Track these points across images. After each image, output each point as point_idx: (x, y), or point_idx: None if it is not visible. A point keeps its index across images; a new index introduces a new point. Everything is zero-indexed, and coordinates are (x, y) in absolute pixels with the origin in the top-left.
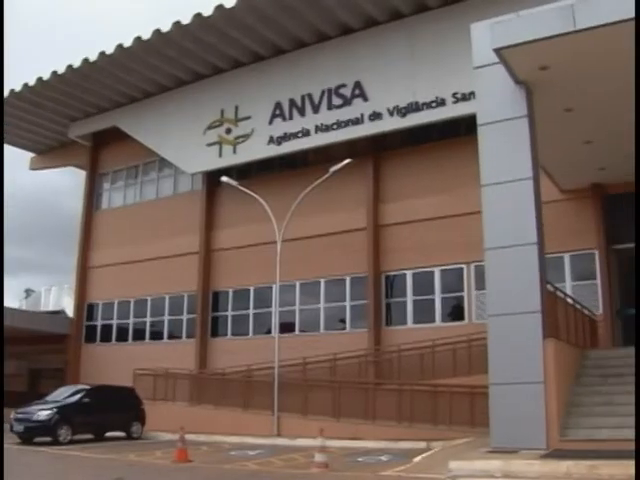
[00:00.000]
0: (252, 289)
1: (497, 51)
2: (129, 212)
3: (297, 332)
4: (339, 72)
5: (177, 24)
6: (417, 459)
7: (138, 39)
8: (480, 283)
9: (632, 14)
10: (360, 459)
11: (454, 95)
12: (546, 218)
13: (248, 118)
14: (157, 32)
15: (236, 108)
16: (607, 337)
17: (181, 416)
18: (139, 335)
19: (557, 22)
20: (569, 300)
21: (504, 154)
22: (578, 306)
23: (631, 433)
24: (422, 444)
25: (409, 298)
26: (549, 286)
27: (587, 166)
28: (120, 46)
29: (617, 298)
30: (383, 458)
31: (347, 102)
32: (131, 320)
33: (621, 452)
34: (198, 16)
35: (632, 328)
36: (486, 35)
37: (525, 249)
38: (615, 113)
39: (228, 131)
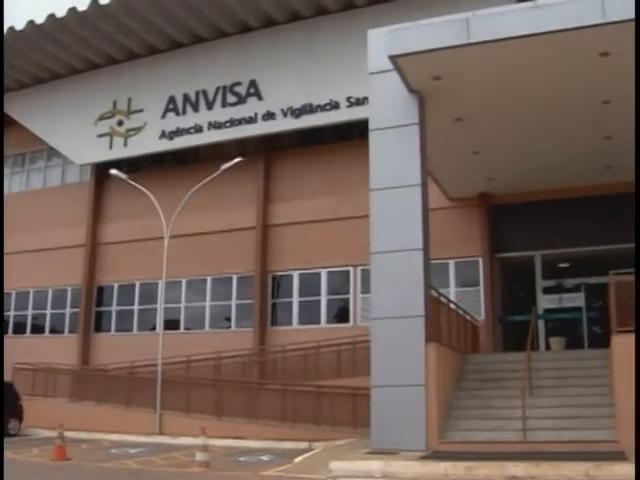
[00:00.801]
0: (138, 284)
1: (392, 58)
2: (14, 201)
3: (182, 330)
4: (235, 70)
5: (72, 10)
6: (298, 459)
7: (31, 23)
8: (366, 286)
9: (524, 31)
10: (242, 459)
11: (348, 99)
12: (433, 225)
13: (141, 111)
14: (51, 17)
15: (129, 100)
16: (488, 343)
17: (61, 412)
18: (20, 328)
19: (452, 34)
20: (452, 306)
21: (394, 160)
22: (461, 312)
23: (507, 435)
24: (304, 444)
25: (295, 299)
26: (433, 291)
27: (475, 176)
28: (12, 29)
29: (499, 305)
30: (265, 458)
31: (241, 100)
32: (12, 313)
33: (497, 454)
34: (94, 3)
35: (512, 334)
36: (382, 42)
37: (410, 254)
38: (504, 125)
39: (120, 123)
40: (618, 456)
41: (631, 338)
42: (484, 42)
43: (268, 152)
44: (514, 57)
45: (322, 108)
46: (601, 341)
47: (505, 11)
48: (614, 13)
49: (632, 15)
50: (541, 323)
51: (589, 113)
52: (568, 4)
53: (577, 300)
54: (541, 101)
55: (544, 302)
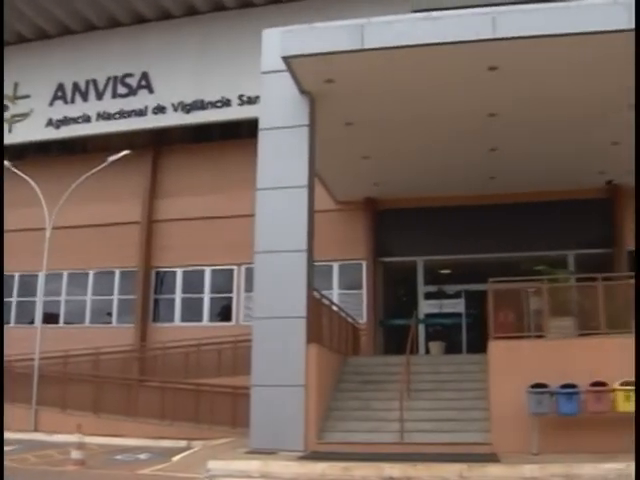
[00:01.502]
0: (16, 276)
1: (285, 59)
2: None
3: (62, 324)
4: (127, 61)
5: None
6: (176, 458)
7: None
8: (250, 285)
9: (416, 41)
10: (119, 457)
11: (240, 97)
12: (318, 227)
13: (27, 97)
14: None
15: (15, 85)
16: (369, 345)
17: None
18: None
19: (346, 39)
20: (334, 308)
21: (282, 160)
22: (343, 314)
23: (385, 437)
24: (183, 443)
25: (178, 296)
26: (315, 293)
27: (362, 180)
28: None
29: (381, 308)
30: (142, 456)
31: (132, 92)
32: None
33: (375, 455)
34: None
35: (393, 338)
36: (277, 42)
37: (294, 255)
38: (393, 132)
39: (5, 108)
40: (491, 458)
41: (506, 344)
42: (377, 49)
43: (157, 146)
44: (406, 66)
45: (213, 105)
46: (478, 347)
47: (400, 20)
48: (504, 29)
49: (522, 32)
50: (422, 327)
51: (476, 125)
52: (461, 18)
53: (457, 306)
54: (430, 111)
55: (425, 307)
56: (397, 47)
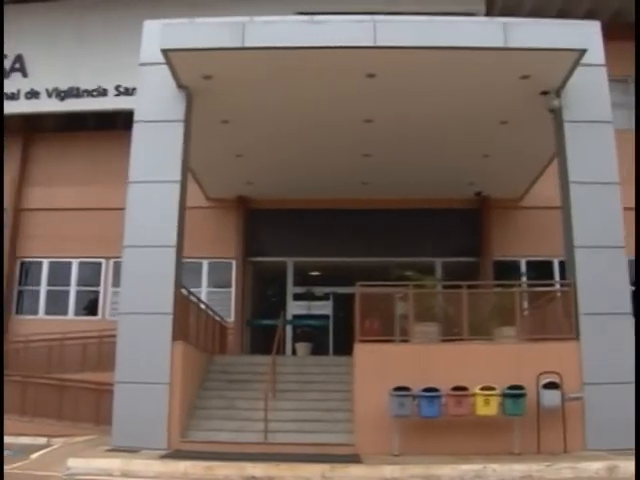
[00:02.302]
0: None
1: (164, 52)
2: None
3: None
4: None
5: None
6: (35, 456)
7: None
8: (118, 280)
9: (297, 43)
10: None
11: (117, 87)
12: (189, 223)
13: None
14: None
15: None
16: (236, 344)
17: None
18: None
19: (227, 36)
20: (202, 306)
21: (155, 154)
22: (211, 312)
23: (249, 437)
24: (43, 440)
25: (43, 288)
26: (183, 290)
27: (236, 178)
28: None
29: (249, 308)
30: None
31: (5, 75)
32: None
33: (238, 454)
34: None
35: (260, 338)
36: (157, 34)
37: (163, 251)
38: (268, 132)
39: None
40: (353, 459)
41: (372, 347)
42: (257, 48)
43: (29, 133)
44: (286, 67)
45: (89, 93)
46: (345, 349)
47: (283, 21)
48: (384, 38)
49: (401, 42)
50: (289, 328)
51: (351, 130)
52: (343, 24)
53: (325, 308)
54: (306, 113)
55: (293, 308)
56: (277, 48)
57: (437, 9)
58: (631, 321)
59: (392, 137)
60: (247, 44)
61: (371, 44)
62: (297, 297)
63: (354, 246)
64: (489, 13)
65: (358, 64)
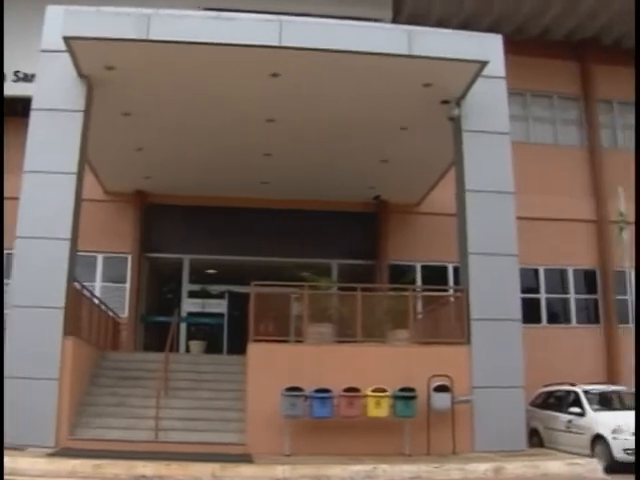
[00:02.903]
0: None
1: (66, 40)
2: None
3: None
4: None
5: None
6: None
7: None
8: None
9: (201, 39)
10: None
11: (16, 73)
12: (85, 216)
13: None
14: None
15: None
16: (129, 341)
17: None
18: None
19: (132, 27)
20: (96, 300)
21: (52, 144)
22: (104, 307)
23: (140, 435)
24: None
25: None
26: (76, 284)
27: (134, 172)
28: None
29: (144, 304)
30: None
31: None
32: None
33: (129, 453)
34: None
35: (154, 334)
36: (60, 21)
37: (56, 243)
38: (168, 126)
39: None
40: (245, 458)
41: (265, 346)
42: (161, 41)
43: None
44: (190, 62)
45: None
46: (239, 348)
47: (190, 15)
48: (290, 38)
49: (306, 43)
50: (184, 326)
51: (253, 128)
52: (250, 22)
53: (220, 306)
54: (209, 109)
55: (188, 305)
56: (182, 42)
57: (345, 13)
58: (520, 327)
59: (293, 138)
60: (152, 37)
61: (276, 44)
62: (192, 295)
63: (252, 245)
64: (395, 20)
65: (263, 63)
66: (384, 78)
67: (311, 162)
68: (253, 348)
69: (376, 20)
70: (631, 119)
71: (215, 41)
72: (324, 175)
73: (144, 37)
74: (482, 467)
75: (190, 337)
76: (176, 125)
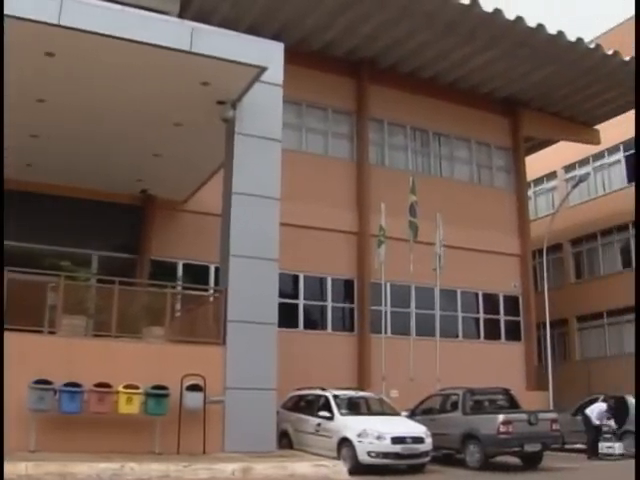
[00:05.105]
0: None
1: None
2: None
3: None
4: None
5: None
6: None
7: None
8: None
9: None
10: None
11: None
12: None
13: None
14: None
15: None
16: None
17: None
18: None
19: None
20: None
21: None
22: None
23: None
24: None
25: None
26: None
27: None
28: None
29: None
30: None
31: None
32: None
33: None
34: None
35: None
36: None
37: None
38: None
39: None
40: None
41: (16, 336)
42: None
43: None
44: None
45: None
46: None
47: None
48: (70, 19)
49: (86, 26)
50: None
51: (22, 107)
52: None
53: None
54: None
55: None
56: None
57: (132, 0)
58: (275, 331)
59: (63, 121)
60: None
61: (55, 22)
62: None
63: (12, 230)
64: (182, 16)
65: (39, 41)
66: (163, 71)
67: (80, 148)
68: (5, 338)
69: (162, 13)
70: (399, 140)
71: None
72: (92, 163)
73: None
74: (230, 467)
75: None
76: None
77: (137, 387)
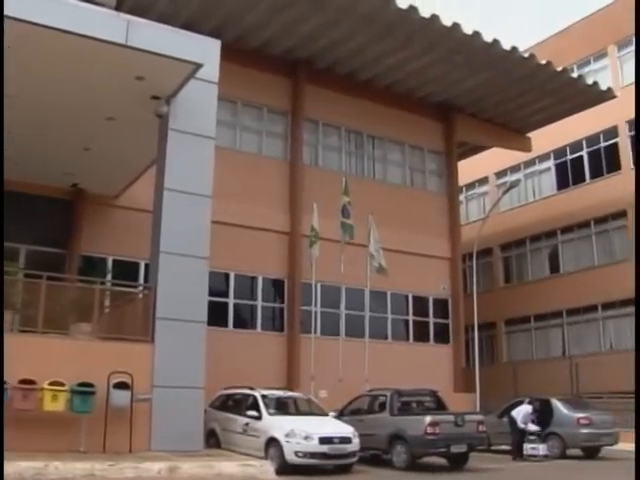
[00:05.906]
0: None
1: None
2: None
3: None
4: None
5: None
6: None
7: None
8: None
9: None
10: None
11: None
12: None
13: None
14: None
15: None
16: None
17: None
18: None
19: None
20: None
21: None
22: None
23: None
24: None
25: None
26: None
27: None
28: None
29: None
30: None
31: None
32: None
33: None
34: None
35: None
36: None
37: None
38: None
39: None
40: None
41: None
42: None
43: None
44: None
45: None
46: None
47: None
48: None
49: (15, 14)
50: None
51: None
52: None
53: None
54: None
55: None
56: None
57: None
58: (204, 329)
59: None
60: None
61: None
62: None
63: None
64: (118, 8)
65: None
66: (96, 64)
67: (6, 137)
68: None
69: (99, 4)
70: (333, 141)
71: None
72: (21, 154)
73: None
74: (157, 466)
75: None
76: None
77: (63, 384)
